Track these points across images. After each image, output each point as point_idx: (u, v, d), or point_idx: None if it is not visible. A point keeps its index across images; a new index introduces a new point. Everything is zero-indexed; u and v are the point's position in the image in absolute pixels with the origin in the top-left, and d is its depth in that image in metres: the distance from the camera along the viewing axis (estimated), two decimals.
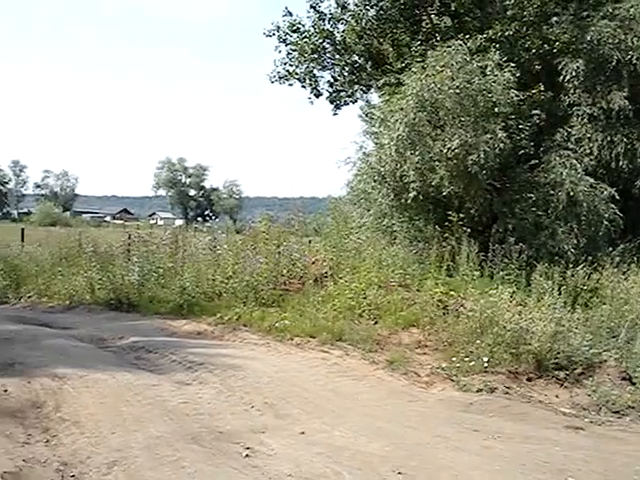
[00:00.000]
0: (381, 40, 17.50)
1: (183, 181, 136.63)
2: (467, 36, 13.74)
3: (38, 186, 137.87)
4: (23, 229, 24.38)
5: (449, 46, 12.95)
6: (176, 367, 8.17)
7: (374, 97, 18.88)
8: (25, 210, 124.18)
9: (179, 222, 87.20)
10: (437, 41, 14.85)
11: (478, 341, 8.52)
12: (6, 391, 6.86)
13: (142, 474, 5.01)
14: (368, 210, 14.45)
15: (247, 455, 5.48)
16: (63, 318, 12.63)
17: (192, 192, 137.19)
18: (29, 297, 15.33)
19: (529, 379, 8.08)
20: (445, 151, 12.08)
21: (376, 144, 14.00)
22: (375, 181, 13.29)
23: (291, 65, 18.76)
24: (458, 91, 12.29)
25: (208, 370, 7.99)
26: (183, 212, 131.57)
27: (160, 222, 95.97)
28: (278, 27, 18.54)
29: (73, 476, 4.99)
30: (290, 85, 18.98)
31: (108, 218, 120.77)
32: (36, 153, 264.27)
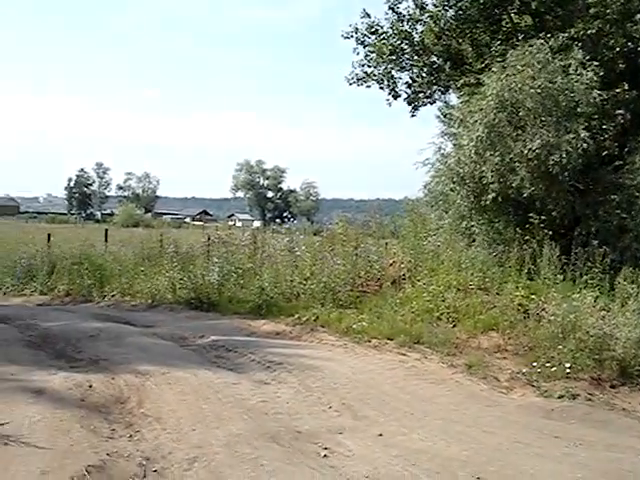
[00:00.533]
0: (460, 40, 17.28)
1: (261, 183, 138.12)
2: (548, 35, 13.43)
3: (121, 188, 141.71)
4: (107, 230, 25.06)
5: (530, 45, 12.69)
6: (255, 366, 8.27)
7: (453, 98, 18.67)
8: (108, 211, 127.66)
9: (257, 223, 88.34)
10: (518, 40, 14.57)
11: (560, 346, 8.34)
12: (91, 387, 7.06)
13: (222, 471, 5.09)
14: (446, 212, 14.29)
15: (325, 455, 5.50)
16: (145, 316, 12.93)
17: (270, 194, 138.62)
18: (113, 296, 15.76)
19: (612, 386, 7.88)
20: (526, 152, 11.84)
21: (455, 145, 13.85)
22: (454, 182, 13.13)
23: (369, 66, 18.70)
24: (539, 91, 12.04)
25: (286, 370, 8.06)
26: (261, 214, 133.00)
27: (238, 223, 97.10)
28: (356, 29, 18.52)
29: (155, 471, 5.10)
30: (368, 87, 18.93)
31: (188, 219, 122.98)
32: (119, 156, 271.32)
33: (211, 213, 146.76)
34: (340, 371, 8.19)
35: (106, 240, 22.09)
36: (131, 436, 5.82)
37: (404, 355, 9.21)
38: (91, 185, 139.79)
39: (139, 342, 9.65)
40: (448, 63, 17.82)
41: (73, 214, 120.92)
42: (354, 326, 10.54)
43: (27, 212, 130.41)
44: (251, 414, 6.41)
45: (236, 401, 6.76)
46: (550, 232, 11.48)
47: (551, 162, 11.73)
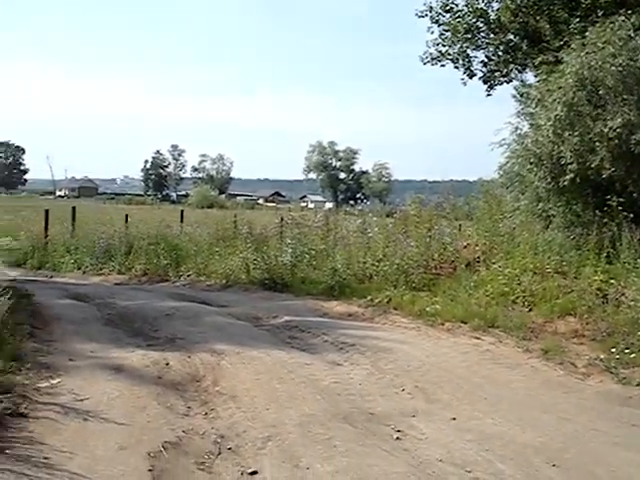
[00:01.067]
0: (537, 18, 16.86)
1: (333, 164, 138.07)
2: (630, 11, 12.96)
3: (195, 169, 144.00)
4: (182, 211, 25.54)
5: (611, 22, 12.26)
6: (328, 347, 8.30)
7: (530, 77, 18.25)
8: (183, 192, 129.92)
9: (329, 205, 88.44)
10: (597, 17, 14.10)
11: None
12: (168, 364, 7.21)
13: (295, 450, 5.13)
14: (522, 193, 13.99)
15: (397, 438, 5.48)
16: (220, 296, 13.11)
17: (342, 175, 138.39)
18: (188, 275, 16.03)
19: None
20: (606, 131, 11.47)
21: (532, 125, 13.51)
22: (531, 163, 12.82)
23: (444, 46, 18.48)
24: (621, 69, 11.63)
25: (359, 351, 8.06)
26: (333, 195, 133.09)
27: (311, 205, 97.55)
28: (431, 7, 18.30)
29: (230, 448, 5.18)
30: (442, 66, 18.72)
31: (261, 201, 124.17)
32: (194, 138, 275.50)
33: (284, 194, 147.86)
34: (413, 354, 8.15)
35: (182, 221, 22.50)
36: (206, 414, 5.93)
37: (478, 339, 9.09)
38: (167, 167, 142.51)
39: (214, 321, 9.80)
40: (525, 41, 17.44)
41: (149, 195, 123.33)
42: (427, 309, 10.46)
43: (105, 193, 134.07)
44: (324, 395, 6.44)
45: (309, 381, 6.81)
46: (631, 215, 11.12)
47: (632, 142, 11.35)
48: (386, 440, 5.42)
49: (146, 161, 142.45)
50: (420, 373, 7.33)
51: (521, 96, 17.51)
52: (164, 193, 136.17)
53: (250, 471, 4.78)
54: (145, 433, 5.35)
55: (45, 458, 4.76)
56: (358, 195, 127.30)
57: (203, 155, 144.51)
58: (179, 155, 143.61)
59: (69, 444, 5.04)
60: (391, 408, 6.19)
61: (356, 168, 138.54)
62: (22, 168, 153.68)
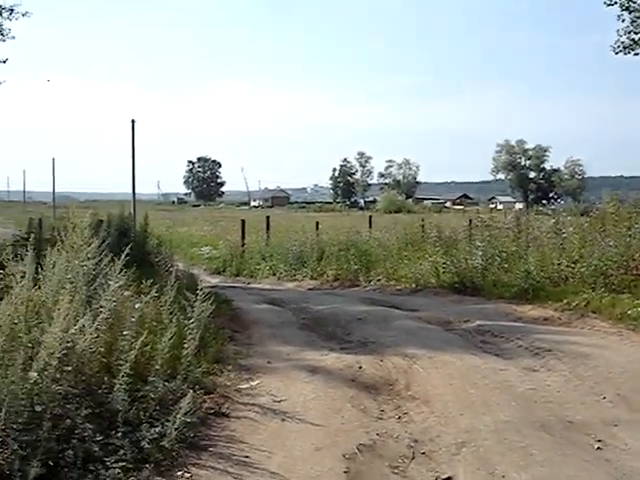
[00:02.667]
0: None
1: (522, 163, 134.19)
2: None
3: (382, 175, 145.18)
4: (370, 216, 25.87)
5: None
6: (523, 352, 8.04)
7: None
8: (371, 198, 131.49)
9: (519, 205, 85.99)
10: None
11: None
12: (361, 368, 7.29)
13: (490, 457, 5.01)
14: None
15: (598, 448, 5.20)
16: (410, 300, 13.10)
17: (532, 174, 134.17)
18: (378, 280, 16.18)
19: None
20: None
21: None
22: None
23: (636, 33, 17.42)
24: None
25: (556, 357, 7.74)
26: (523, 195, 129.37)
27: (500, 206, 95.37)
28: None
29: (423, 453, 5.15)
30: (636, 54, 17.65)
31: (448, 204, 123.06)
32: (380, 144, 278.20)
33: (471, 196, 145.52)
34: (614, 360, 7.70)
35: (370, 226, 22.79)
36: (399, 417, 5.94)
37: None
38: (354, 174, 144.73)
39: (405, 325, 9.81)
40: None
41: (338, 202, 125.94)
42: (629, 312, 9.84)
43: (296, 202, 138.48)
44: (520, 401, 6.24)
45: (504, 387, 6.63)
46: None
47: None
48: (586, 450, 5.16)
49: (334, 169, 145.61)
50: (622, 380, 6.91)
51: None
52: (352, 200, 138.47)
53: (444, 477, 4.73)
54: (340, 435, 5.44)
55: (245, 456, 4.98)
56: (550, 194, 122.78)
57: (389, 161, 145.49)
58: (366, 162, 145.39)
59: (268, 443, 5.24)
60: (591, 416, 5.89)
61: (547, 166, 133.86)
62: (219, 181, 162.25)
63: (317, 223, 23.13)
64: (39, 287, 5.98)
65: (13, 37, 18.11)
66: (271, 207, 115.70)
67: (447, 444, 5.27)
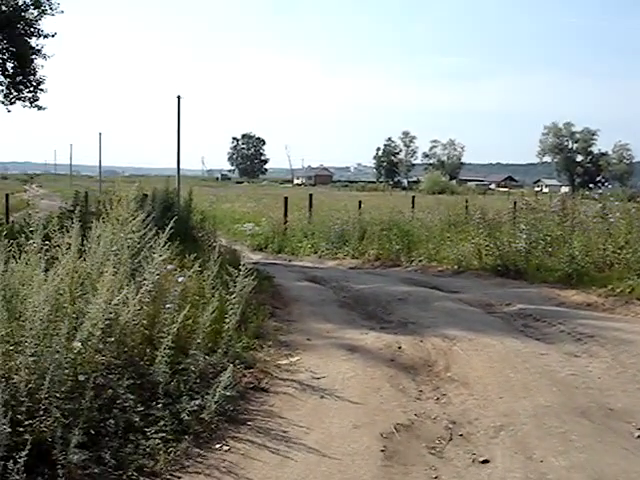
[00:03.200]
0: None
1: (569, 146, 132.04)
2: None
3: (426, 156, 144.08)
4: (413, 197, 25.77)
5: None
6: (564, 338, 7.94)
7: None
8: (414, 179, 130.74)
9: (565, 189, 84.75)
10: None
11: None
12: (400, 348, 7.28)
13: (529, 442, 4.97)
14: None
15: (639, 436, 5.13)
16: (451, 282, 13.04)
17: (579, 158, 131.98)
18: (419, 261, 16.12)
19: None
20: None
21: None
22: None
23: None
24: None
25: (598, 343, 7.62)
26: (569, 179, 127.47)
27: (545, 189, 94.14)
28: None
29: (461, 435, 5.13)
30: None
31: (493, 186, 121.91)
32: (425, 124, 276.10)
33: (516, 179, 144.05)
34: None
35: (413, 207, 22.70)
36: (438, 399, 5.92)
37: None
38: (398, 154, 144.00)
39: (446, 307, 9.76)
40: None
41: (381, 182, 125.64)
42: None
43: (339, 181, 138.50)
44: (560, 386, 6.17)
45: (544, 372, 6.56)
46: None
47: None
48: (627, 438, 5.08)
49: (378, 149, 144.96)
50: None
51: None
52: (395, 179, 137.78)
53: (482, 459, 4.71)
54: (378, 414, 5.45)
55: (284, 432, 5.03)
56: (597, 178, 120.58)
57: (434, 141, 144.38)
58: (410, 142, 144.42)
59: (306, 420, 5.28)
60: (632, 405, 5.79)
61: (594, 150, 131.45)
62: (263, 158, 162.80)
63: (360, 202, 23.07)
64: (84, 259, 6.08)
65: (62, 11, 18.28)
66: (314, 185, 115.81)
67: (485, 427, 5.25)
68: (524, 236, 13.82)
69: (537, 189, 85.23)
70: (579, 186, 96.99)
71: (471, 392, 6.03)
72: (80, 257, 6.02)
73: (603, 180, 16.44)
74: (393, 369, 6.60)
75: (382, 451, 4.77)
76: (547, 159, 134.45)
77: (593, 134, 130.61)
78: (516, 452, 4.81)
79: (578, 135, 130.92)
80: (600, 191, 14.53)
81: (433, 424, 5.34)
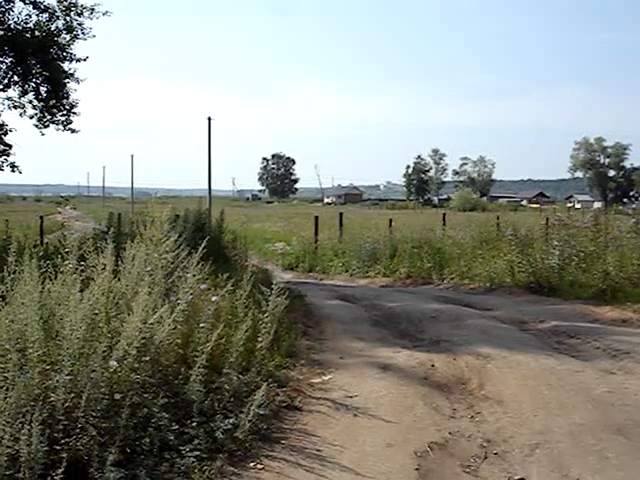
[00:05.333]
0: None
1: (601, 162, 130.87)
2: None
3: (456, 173, 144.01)
4: (444, 214, 25.67)
5: None
6: (600, 354, 7.85)
7: None
8: (445, 196, 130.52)
9: (597, 204, 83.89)
10: None
11: None
12: (433, 366, 7.25)
13: (565, 460, 4.92)
14: None
15: None
16: (484, 299, 12.96)
17: (611, 173, 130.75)
18: (451, 278, 16.07)
19: None
20: None
21: None
22: None
23: None
24: None
25: (634, 360, 7.52)
26: (601, 194, 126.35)
27: (577, 205, 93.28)
28: None
29: (496, 453, 5.09)
30: None
31: (524, 202, 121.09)
32: (455, 141, 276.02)
33: (548, 195, 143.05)
34: None
35: (444, 224, 22.64)
36: (472, 417, 5.88)
37: None
38: (428, 171, 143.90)
39: (478, 324, 9.70)
40: None
41: (412, 200, 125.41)
42: None
43: (369, 199, 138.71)
44: (596, 404, 6.10)
45: (579, 389, 6.49)
46: None
47: None
48: None
49: (408, 166, 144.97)
50: None
51: None
52: (426, 197, 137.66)
53: (517, 478, 4.67)
54: (411, 432, 5.43)
55: (317, 450, 5.02)
56: (630, 193, 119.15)
57: (464, 158, 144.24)
58: (440, 159, 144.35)
59: (339, 438, 5.27)
60: None
61: (626, 164, 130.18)
62: (293, 178, 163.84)
63: (390, 220, 23.09)
64: (119, 279, 6.16)
65: (94, 36, 18.58)
66: (344, 204, 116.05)
67: (520, 445, 5.21)
68: (557, 252, 13.71)
69: (569, 205, 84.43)
70: (612, 201, 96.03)
71: (505, 410, 5.98)
72: (115, 277, 6.09)
73: (636, 195, 16.24)
74: (426, 387, 6.57)
75: (416, 470, 4.75)
76: (579, 174, 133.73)
77: (625, 149, 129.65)
78: (552, 470, 4.77)
79: (610, 150, 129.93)
80: (633, 206, 14.37)
81: (467, 442, 5.30)
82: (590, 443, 5.19)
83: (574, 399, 6.20)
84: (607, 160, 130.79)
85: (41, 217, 26.03)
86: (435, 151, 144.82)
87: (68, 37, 18.40)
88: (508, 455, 5.06)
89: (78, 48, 18.88)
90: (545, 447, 5.14)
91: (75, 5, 18.01)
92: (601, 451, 5.04)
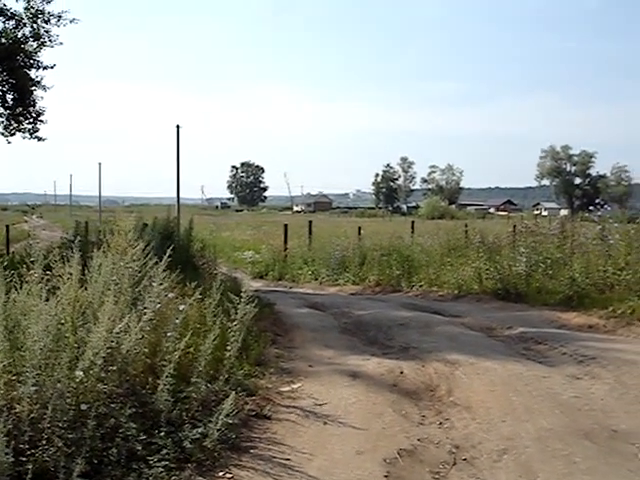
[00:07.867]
0: None
1: (568, 169, 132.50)
2: None
3: (425, 181, 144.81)
4: (413, 222, 25.78)
5: None
6: (566, 360, 7.93)
7: None
8: (413, 204, 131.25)
9: (564, 212, 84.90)
10: None
11: None
12: (402, 373, 7.26)
13: (532, 465, 4.96)
14: None
15: None
16: (452, 306, 13.04)
17: (577, 180, 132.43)
18: (420, 286, 16.14)
19: None
20: None
21: None
22: None
23: None
24: None
25: (600, 365, 7.61)
26: (568, 201, 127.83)
27: (544, 212, 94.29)
28: None
29: (465, 459, 5.11)
30: None
31: (492, 209, 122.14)
32: (422, 150, 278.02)
33: (515, 203, 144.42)
34: None
35: (412, 232, 22.72)
36: (441, 423, 5.90)
37: None
38: (397, 180, 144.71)
39: (447, 331, 9.75)
40: None
41: (380, 208, 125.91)
42: None
43: (339, 207, 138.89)
44: (562, 409, 6.16)
45: (547, 395, 6.54)
46: None
47: None
48: (630, 459, 5.07)
49: (377, 175, 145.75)
50: None
51: None
52: (395, 205, 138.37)
53: None
54: (381, 439, 5.44)
55: (286, 459, 5.00)
56: (596, 201, 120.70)
57: (432, 166, 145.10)
58: (408, 167, 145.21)
59: (309, 446, 5.26)
60: (636, 426, 5.77)
61: (592, 172, 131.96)
62: (262, 186, 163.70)
63: (359, 228, 23.12)
64: (85, 288, 6.09)
65: (61, 43, 18.43)
66: (313, 212, 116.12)
67: (489, 451, 5.23)
68: (524, 259, 13.84)
69: (536, 212, 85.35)
70: (578, 209, 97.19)
71: (474, 416, 6.01)
72: (81, 287, 6.03)
73: (602, 202, 16.42)
74: (395, 394, 6.59)
75: (385, 477, 4.75)
76: (545, 182, 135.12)
77: (591, 157, 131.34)
78: (520, 475, 4.80)
79: (576, 158, 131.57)
80: (599, 213, 14.55)
81: (436, 449, 5.32)
82: (558, 448, 5.24)
83: (541, 404, 6.25)
84: (573, 168, 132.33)
85: (7, 226, 25.71)
86: (404, 159, 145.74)
87: (35, 44, 18.24)
88: (477, 461, 5.08)
89: (44, 55, 18.70)
90: (513, 452, 5.18)
91: (42, 12, 17.85)
92: (569, 456, 5.09)
